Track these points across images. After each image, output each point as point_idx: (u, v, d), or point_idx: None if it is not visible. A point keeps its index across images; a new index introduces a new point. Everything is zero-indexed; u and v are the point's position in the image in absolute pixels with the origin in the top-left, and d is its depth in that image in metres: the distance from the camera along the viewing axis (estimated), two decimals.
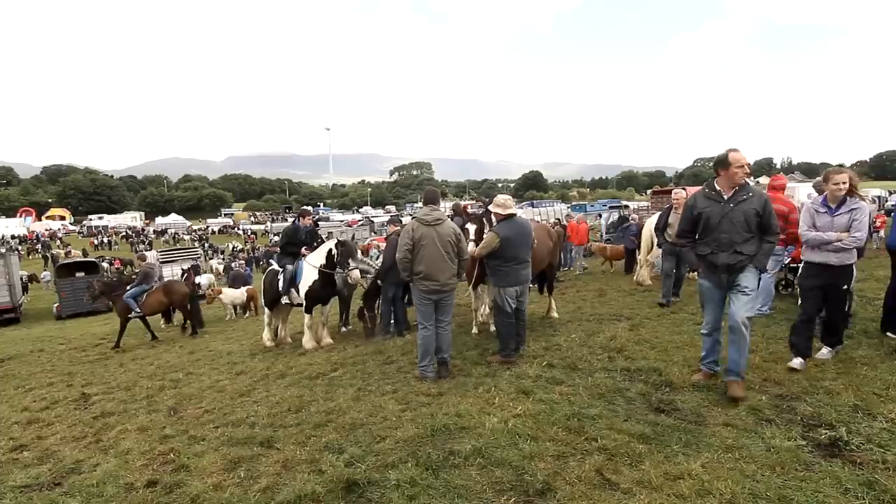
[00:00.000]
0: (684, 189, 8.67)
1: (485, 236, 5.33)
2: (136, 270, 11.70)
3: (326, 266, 6.98)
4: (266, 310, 8.04)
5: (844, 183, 4.26)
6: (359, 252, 7.41)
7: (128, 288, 10.29)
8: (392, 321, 7.16)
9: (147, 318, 10.37)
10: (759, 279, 4.03)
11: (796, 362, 4.26)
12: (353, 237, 7.29)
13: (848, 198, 4.27)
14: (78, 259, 25.30)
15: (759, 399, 3.69)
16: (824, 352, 4.47)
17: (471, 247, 5.41)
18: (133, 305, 9.92)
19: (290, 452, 3.51)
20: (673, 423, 3.42)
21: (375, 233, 35.34)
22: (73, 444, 4.34)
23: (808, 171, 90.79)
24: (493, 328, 6.48)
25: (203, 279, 13.64)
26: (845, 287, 4.40)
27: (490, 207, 5.32)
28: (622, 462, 2.97)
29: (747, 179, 3.95)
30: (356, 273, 6.84)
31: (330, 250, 6.99)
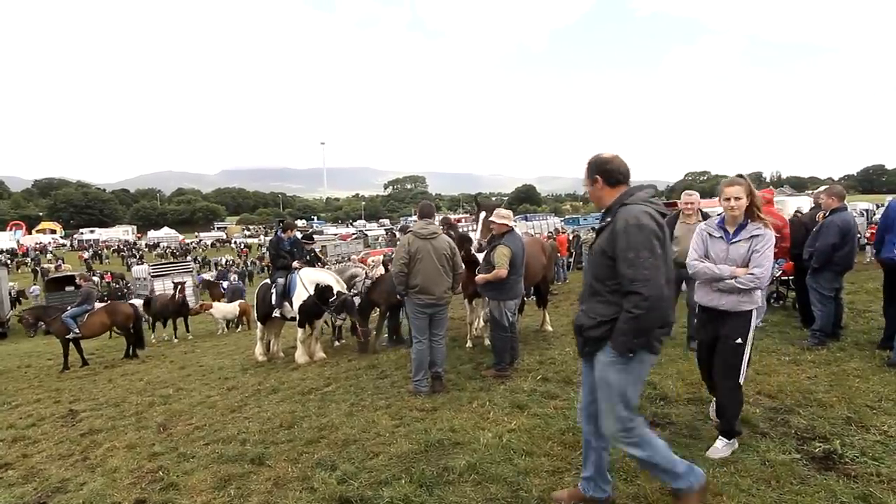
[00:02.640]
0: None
1: (500, 253, 5.06)
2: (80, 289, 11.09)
3: (319, 296, 6.97)
4: (258, 324, 7.97)
5: (738, 198, 3.12)
6: (356, 304, 7.36)
7: (68, 308, 9.88)
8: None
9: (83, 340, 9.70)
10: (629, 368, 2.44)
11: (719, 447, 3.17)
12: (352, 295, 7.36)
13: (749, 221, 3.14)
14: (67, 273, 25.07)
15: (754, 412, 3.69)
16: (718, 445, 3.18)
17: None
18: (72, 326, 9.39)
19: (282, 470, 3.46)
20: (668, 437, 3.39)
21: (369, 246, 35.33)
22: (59, 463, 4.25)
23: (798, 185, 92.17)
24: (487, 342, 6.47)
25: (137, 301, 13.51)
26: (739, 341, 3.14)
27: (493, 218, 5.27)
28: (618, 477, 2.95)
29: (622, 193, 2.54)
30: (339, 323, 6.94)
31: (330, 288, 6.96)
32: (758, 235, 3.10)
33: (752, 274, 3.05)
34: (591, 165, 2.62)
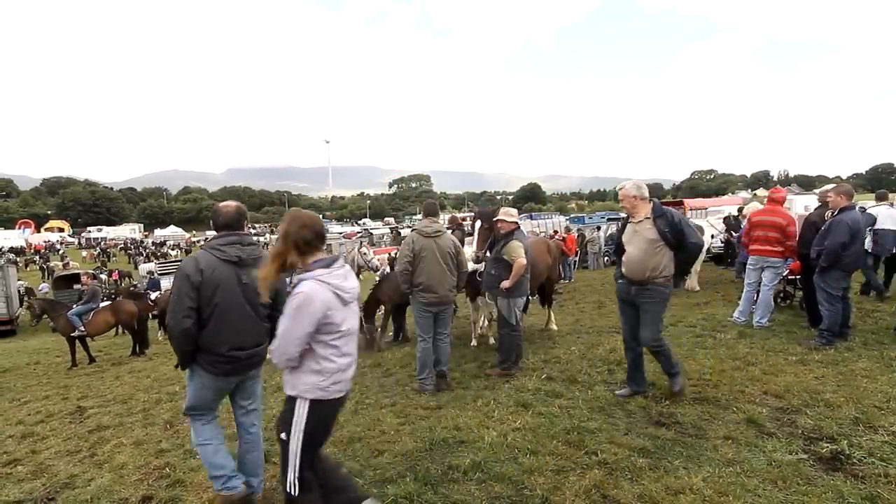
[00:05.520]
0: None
1: (513, 246, 5.01)
2: (86, 288, 11.12)
3: None
4: None
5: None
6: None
7: (73, 306, 9.91)
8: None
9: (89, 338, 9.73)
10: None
11: None
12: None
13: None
14: (75, 271, 25.24)
15: (760, 412, 3.67)
16: None
17: (468, 252, 5.45)
18: (77, 323, 9.36)
19: None
20: (673, 437, 3.40)
21: (374, 244, 35.37)
22: (67, 459, 4.28)
23: (805, 183, 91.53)
24: (492, 340, 6.47)
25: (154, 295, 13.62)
26: (283, 436, 2.26)
27: (502, 216, 5.25)
28: (622, 476, 2.95)
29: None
30: None
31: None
32: (288, 292, 2.30)
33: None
34: None
